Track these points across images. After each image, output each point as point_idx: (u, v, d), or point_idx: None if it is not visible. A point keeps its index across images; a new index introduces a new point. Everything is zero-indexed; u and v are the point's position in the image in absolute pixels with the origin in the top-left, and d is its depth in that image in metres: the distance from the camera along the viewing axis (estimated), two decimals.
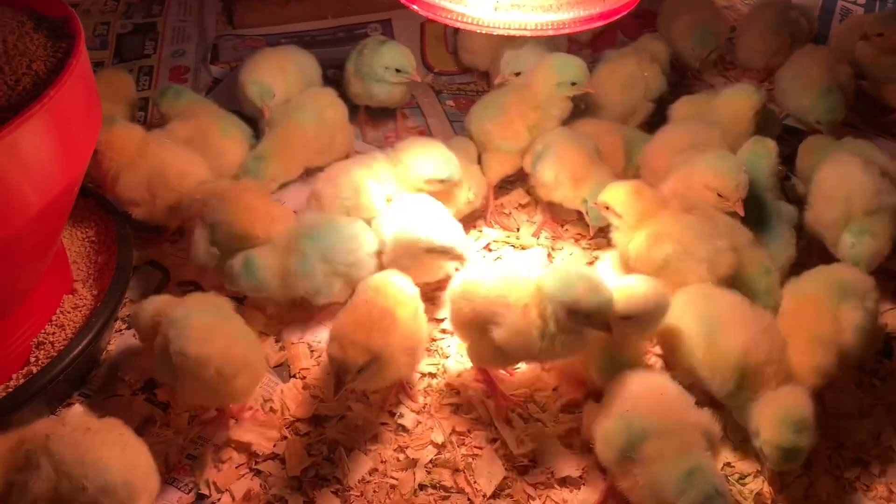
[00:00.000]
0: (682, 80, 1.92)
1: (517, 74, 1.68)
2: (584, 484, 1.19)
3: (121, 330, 1.37)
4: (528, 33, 1.10)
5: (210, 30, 2.02)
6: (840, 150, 1.49)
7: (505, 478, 1.19)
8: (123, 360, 1.33)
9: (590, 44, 2.00)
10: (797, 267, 1.43)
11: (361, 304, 1.19)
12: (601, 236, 1.51)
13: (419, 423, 1.24)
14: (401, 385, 1.28)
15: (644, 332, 1.25)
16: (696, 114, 1.60)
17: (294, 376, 1.32)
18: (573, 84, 1.55)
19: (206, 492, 1.17)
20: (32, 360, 1.26)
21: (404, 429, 1.24)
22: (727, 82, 1.92)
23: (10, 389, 1.22)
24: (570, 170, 1.48)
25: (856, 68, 1.75)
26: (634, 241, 1.36)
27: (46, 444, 1.00)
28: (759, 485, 1.19)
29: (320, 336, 1.38)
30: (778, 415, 1.12)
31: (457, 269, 1.37)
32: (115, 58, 1.94)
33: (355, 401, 1.27)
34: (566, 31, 1.14)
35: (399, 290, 1.23)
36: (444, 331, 1.37)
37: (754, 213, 1.39)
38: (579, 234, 1.57)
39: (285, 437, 1.23)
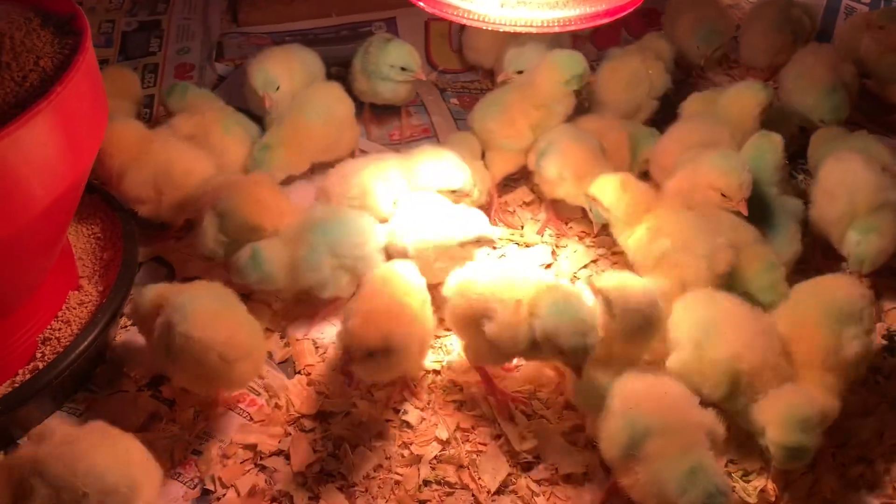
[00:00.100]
0: (686, 78, 1.92)
1: (520, 73, 1.68)
2: (588, 481, 1.19)
3: (126, 326, 1.38)
4: (533, 30, 1.11)
5: (215, 28, 2.02)
6: (845, 145, 1.49)
7: (509, 474, 1.19)
8: (129, 356, 1.33)
9: (591, 38, 2.00)
10: (801, 263, 1.44)
11: (372, 292, 1.19)
12: (605, 234, 1.52)
13: (423, 419, 1.25)
14: (405, 382, 1.29)
15: (638, 345, 1.22)
16: (707, 110, 1.60)
17: (299, 373, 1.32)
18: (579, 77, 1.56)
19: (211, 487, 1.17)
20: (38, 355, 1.26)
21: (408, 425, 1.24)
22: (731, 81, 1.92)
23: (16, 385, 1.23)
24: (573, 166, 1.49)
25: (860, 67, 1.75)
26: (635, 235, 1.36)
27: (34, 467, 1.00)
28: (763, 482, 1.19)
29: (325, 332, 1.38)
30: (783, 414, 1.11)
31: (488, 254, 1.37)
32: (121, 55, 1.95)
33: (360, 398, 1.28)
34: (572, 27, 1.14)
35: (407, 280, 1.23)
36: (448, 328, 1.38)
37: (759, 209, 1.39)
38: (583, 231, 1.58)
39: (290, 434, 1.23)
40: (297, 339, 1.37)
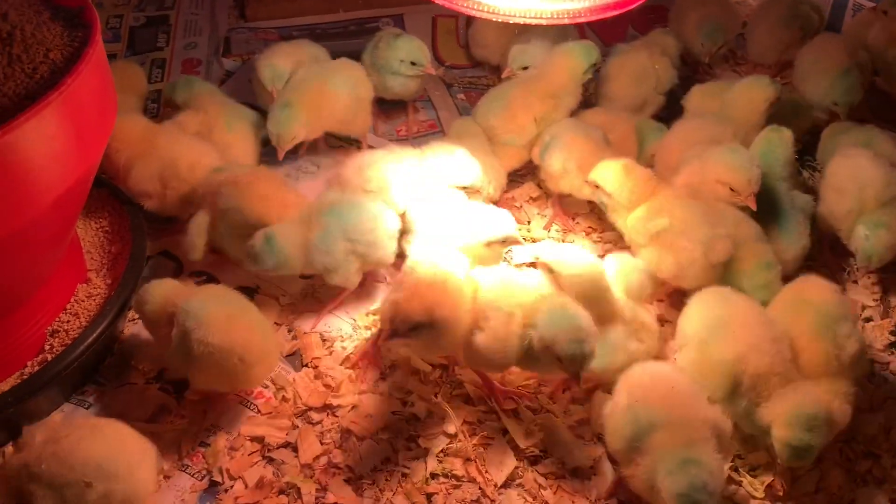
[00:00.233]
0: (693, 74, 1.91)
1: (524, 69, 1.69)
2: (594, 474, 1.19)
3: (134, 319, 1.38)
4: (543, 22, 1.10)
5: (222, 23, 2.03)
6: (855, 139, 1.49)
7: (516, 467, 1.19)
8: (137, 349, 1.34)
9: (597, 34, 2.00)
10: (809, 259, 1.44)
11: (418, 273, 1.18)
12: (612, 229, 1.51)
13: (430, 412, 1.25)
14: (412, 374, 1.29)
15: (599, 307, 1.22)
16: (710, 103, 1.60)
17: (306, 365, 1.32)
18: (594, 66, 1.57)
19: (219, 479, 1.17)
20: (47, 347, 1.27)
21: (416, 418, 1.24)
22: (738, 77, 1.92)
23: (26, 377, 1.23)
24: (576, 158, 1.48)
25: (869, 63, 1.75)
26: (634, 214, 1.37)
27: (29, 472, 1.00)
28: (770, 477, 1.19)
29: (332, 326, 1.38)
30: (789, 412, 1.11)
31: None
32: (128, 50, 1.95)
33: (366, 391, 1.28)
34: (582, 19, 1.14)
35: (450, 258, 1.22)
36: None
37: (768, 203, 1.39)
38: (590, 227, 1.58)
39: (297, 427, 1.23)
40: (305, 333, 1.37)
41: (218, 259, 1.46)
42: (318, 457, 1.20)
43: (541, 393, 1.29)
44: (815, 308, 1.20)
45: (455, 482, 1.17)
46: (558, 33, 1.74)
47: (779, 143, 1.45)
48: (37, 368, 1.24)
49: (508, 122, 1.57)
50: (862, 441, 1.23)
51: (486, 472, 1.18)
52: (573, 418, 1.25)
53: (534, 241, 1.54)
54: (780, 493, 1.17)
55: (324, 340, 1.36)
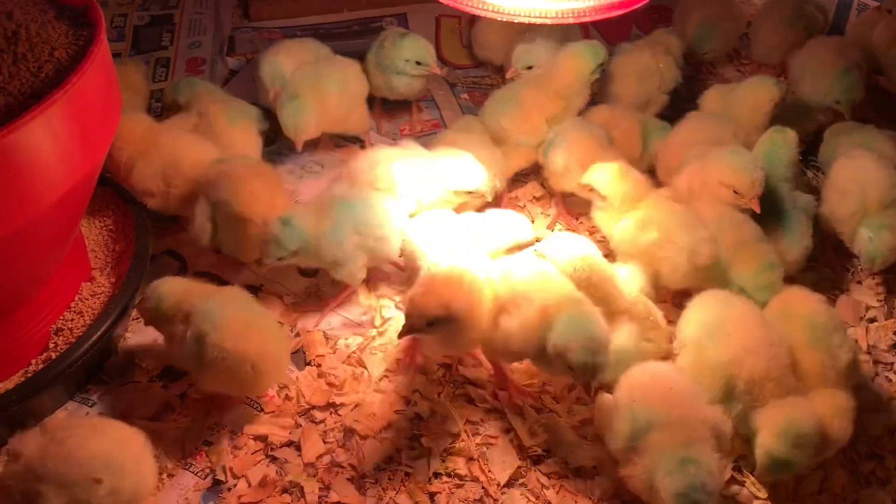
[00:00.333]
0: (697, 74, 1.92)
1: (529, 68, 1.69)
2: (597, 474, 1.19)
3: (138, 318, 1.38)
4: (548, 21, 1.10)
5: (226, 22, 2.03)
6: (859, 139, 1.49)
7: (519, 467, 1.19)
8: (141, 347, 1.34)
9: (601, 34, 2.00)
10: (812, 260, 1.43)
11: (434, 270, 1.18)
12: None
13: (434, 412, 1.25)
14: (416, 371, 1.29)
15: (601, 293, 1.23)
16: (723, 106, 1.61)
17: (309, 364, 1.32)
18: (601, 66, 1.58)
19: (222, 477, 1.17)
20: (51, 345, 1.27)
21: (419, 417, 1.24)
22: (742, 77, 1.92)
23: (30, 375, 1.23)
24: (578, 157, 1.48)
25: (873, 62, 1.74)
26: (622, 227, 1.37)
27: (35, 474, 1.00)
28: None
29: (335, 324, 1.38)
30: (781, 424, 1.10)
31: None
32: (132, 49, 1.96)
33: (370, 390, 1.28)
34: (586, 18, 1.14)
35: (467, 266, 1.21)
36: None
37: (771, 204, 1.39)
38: (594, 227, 1.57)
39: (300, 425, 1.24)
40: (308, 331, 1.37)
41: (221, 259, 1.47)
42: (321, 455, 1.20)
43: (545, 393, 1.29)
44: (805, 320, 1.20)
45: (458, 481, 1.18)
46: (563, 33, 1.74)
47: (782, 143, 1.45)
48: (41, 366, 1.24)
49: (522, 123, 1.57)
50: (866, 442, 1.23)
51: (490, 471, 1.18)
52: (577, 418, 1.25)
53: (537, 241, 1.54)
54: (785, 494, 1.17)
55: (327, 339, 1.36)
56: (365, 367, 1.32)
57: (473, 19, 1.94)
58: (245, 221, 1.36)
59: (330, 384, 1.29)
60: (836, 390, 1.15)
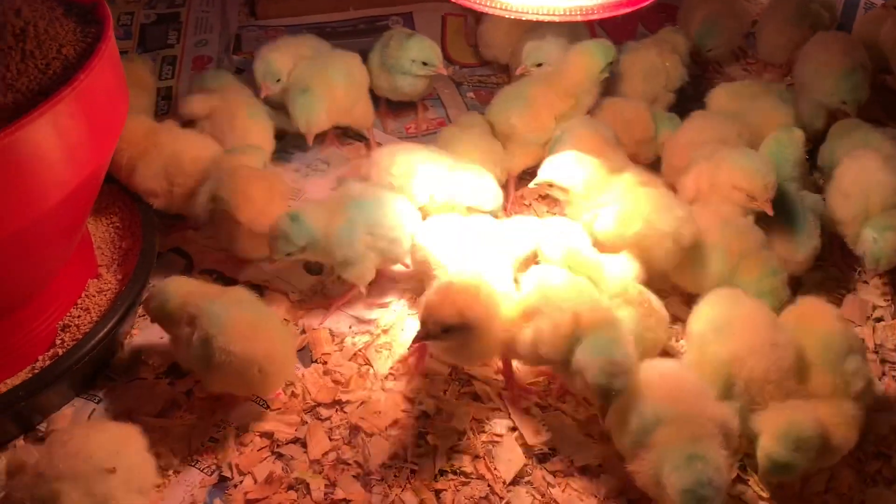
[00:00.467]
0: (703, 73, 1.91)
1: (539, 66, 1.69)
2: (603, 472, 1.19)
3: (145, 314, 1.38)
4: (556, 19, 1.10)
5: (233, 20, 2.04)
6: (863, 138, 1.48)
7: (525, 465, 1.19)
8: (147, 344, 1.34)
9: (607, 32, 2.00)
10: (819, 260, 1.43)
11: (451, 278, 1.19)
12: None
13: (439, 409, 1.25)
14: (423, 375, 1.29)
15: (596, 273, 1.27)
16: (735, 103, 1.60)
17: (315, 361, 1.33)
18: (610, 65, 1.58)
19: (228, 474, 1.18)
20: (58, 342, 1.28)
21: (425, 415, 1.24)
22: (748, 76, 1.92)
23: (37, 371, 1.24)
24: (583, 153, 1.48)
25: (880, 61, 1.74)
26: (603, 226, 1.36)
27: (48, 475, 1.01)
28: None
29: (341, 322, 1.39)
30: (782, 427, 1.10)
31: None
32: (139, 47, 1.96)
33: (376, 388, 1.28)
34: (595, 16, 1.14)
35: (484, 277, 1.22)
36: None
37: (778, 204, 1.38)
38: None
39: (306, 422, 1.24)
40: (314, 329, 1.37)
41: (228, 256, 1.47)
42: (326, 452, 1.20)
43: (550, 391, 1.29)
44: (820, 339, 1.18)
45: (464, 479, 1.18)
46: (571, 31, 1.74)
47: (789, 143, 1.44)
48: (48, 363, 1.25)
49: (531, 121, 1.57)
50: (872, 441, 1.23)
51: (495, 469, 1.18)
52: (582, 416, 1.25)
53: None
54: (791, 494, 1.17)
55: (333, 336, 1.36)
56: (371, 365, 1.32)
57: (479, 18, 1.94)
58: (229, 219, 1.37)
59: (336, 381, 1.29)
60: (844, 400, 1.14)
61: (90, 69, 1.07)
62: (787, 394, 1.13)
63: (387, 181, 1.45)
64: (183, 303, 1.20)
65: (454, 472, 1.18)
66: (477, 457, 1.20)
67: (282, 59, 1.65)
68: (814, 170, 1.61)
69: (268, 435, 1.22)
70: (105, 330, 1.25)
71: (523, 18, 1.13)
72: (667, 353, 1.31)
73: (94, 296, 1.34)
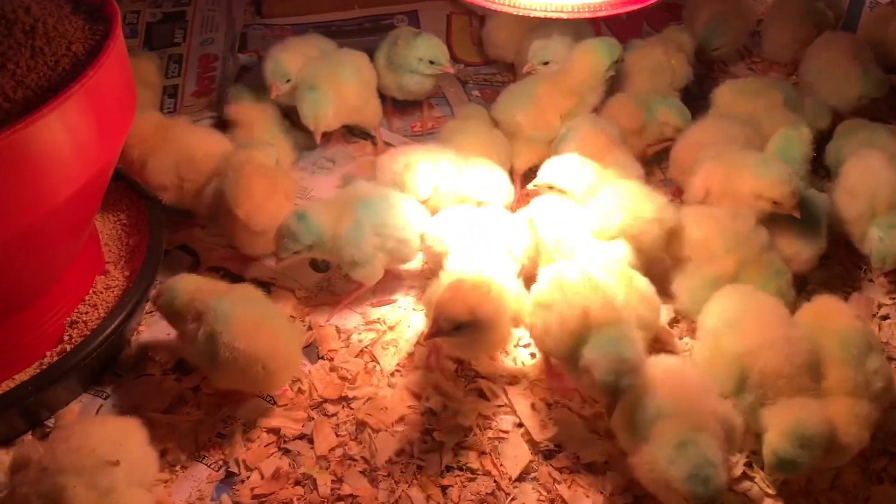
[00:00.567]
0: (709, 72, 1.91)
1: (545, 64, 1.69)
2: (609, 469, 1.19)
3: (152, 311, 1.39)
4: (563, 16, 1.11)
5: (238, 19, 2.04)
6: (869, 136, 1.48)
7: (531, 461, 1.19)
8: (154, 341, 1.35)
9: (613, 30, 2.00)
10: (826, 258, 1.43)
11: (467, 277, 1.19)
12: None
13: (445, 406, 1.25)
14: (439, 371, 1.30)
15: None
16: (740, 101, 1.61)
17: (322, 357, 1.33)
18: (616, 63, 1.59)
19: (235, 470, 1.18)
20: (66, 338, 1.28)
21: (431, 412, 1.25)
22: (753, 75, 1.92)
23: (45, 367, 1.24)
24: (587, 152, 1.47)
25: (887, 60, 1.74)
26: (589, 220, 1.35)
27: (52, 469, 1.01)
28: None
29: (347, 319, 1.39)
30: (789, 424, 1.10)
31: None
32: (145, 46, 1.96)
33: (382, 384, 1.29)
34: (603, 13, 1.14)
35: (494, 275, 1.23)
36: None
37: None
38: None
39: (312, 418, 1.24)
40: (320, 325, 1.38)
41: (235, 253, 1.47)
42: (333, 448, 1.20)
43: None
44: (838, 336, 1.17)
45: (470, 475, 1.18)
46: (576, 30, 1.74)
47: (797, 140, 1.44)
48: (56, 359, 1.25)
49: (536, 119, 1.57)
50: (878, 438, 1.22)
51: (501, 465, 1.19)
52: (588, 413, 1.25)
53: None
54: (796, 490, 1.17)
55: (339, 333, 1.37)
56: (377, 362, 1.32)
57: (484, 17, 1.95)
58: (228, 213, 1.37)
59: (342, 378, 1.29)
60: (859, 399, 1.14)
61: (99, 66, 1.07)
62: (800, 389, 1.13)
63: (392, 180, 1.45)
64: (190, 299, 1.20)
65: (460, 469, 1.18)
66: (483, 453, 1.20)
67: (291, 59, 1.66)
68: (818, 168, 1.61)
69: (275, 431, 1.23)
70: (112, 326, 1.26)
71: (531, 16, 1.13)
72: (670, 352, 1.32)
73: (101, 292, 1.34)
